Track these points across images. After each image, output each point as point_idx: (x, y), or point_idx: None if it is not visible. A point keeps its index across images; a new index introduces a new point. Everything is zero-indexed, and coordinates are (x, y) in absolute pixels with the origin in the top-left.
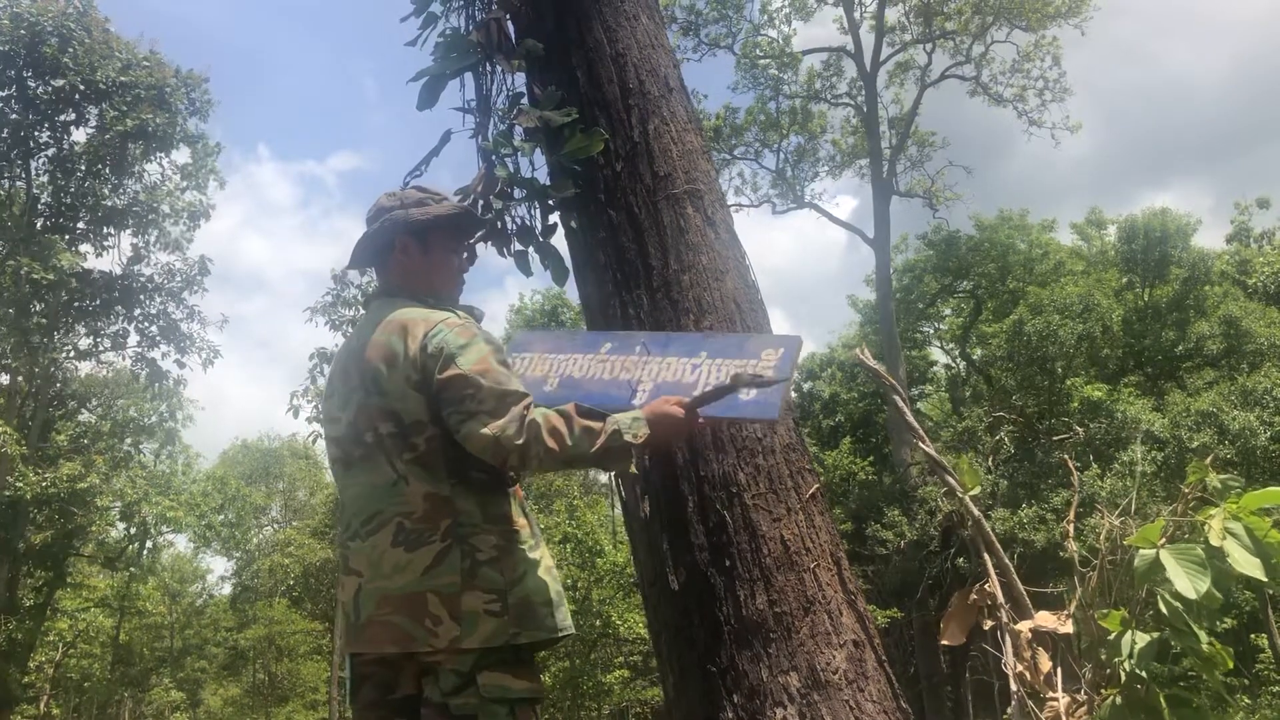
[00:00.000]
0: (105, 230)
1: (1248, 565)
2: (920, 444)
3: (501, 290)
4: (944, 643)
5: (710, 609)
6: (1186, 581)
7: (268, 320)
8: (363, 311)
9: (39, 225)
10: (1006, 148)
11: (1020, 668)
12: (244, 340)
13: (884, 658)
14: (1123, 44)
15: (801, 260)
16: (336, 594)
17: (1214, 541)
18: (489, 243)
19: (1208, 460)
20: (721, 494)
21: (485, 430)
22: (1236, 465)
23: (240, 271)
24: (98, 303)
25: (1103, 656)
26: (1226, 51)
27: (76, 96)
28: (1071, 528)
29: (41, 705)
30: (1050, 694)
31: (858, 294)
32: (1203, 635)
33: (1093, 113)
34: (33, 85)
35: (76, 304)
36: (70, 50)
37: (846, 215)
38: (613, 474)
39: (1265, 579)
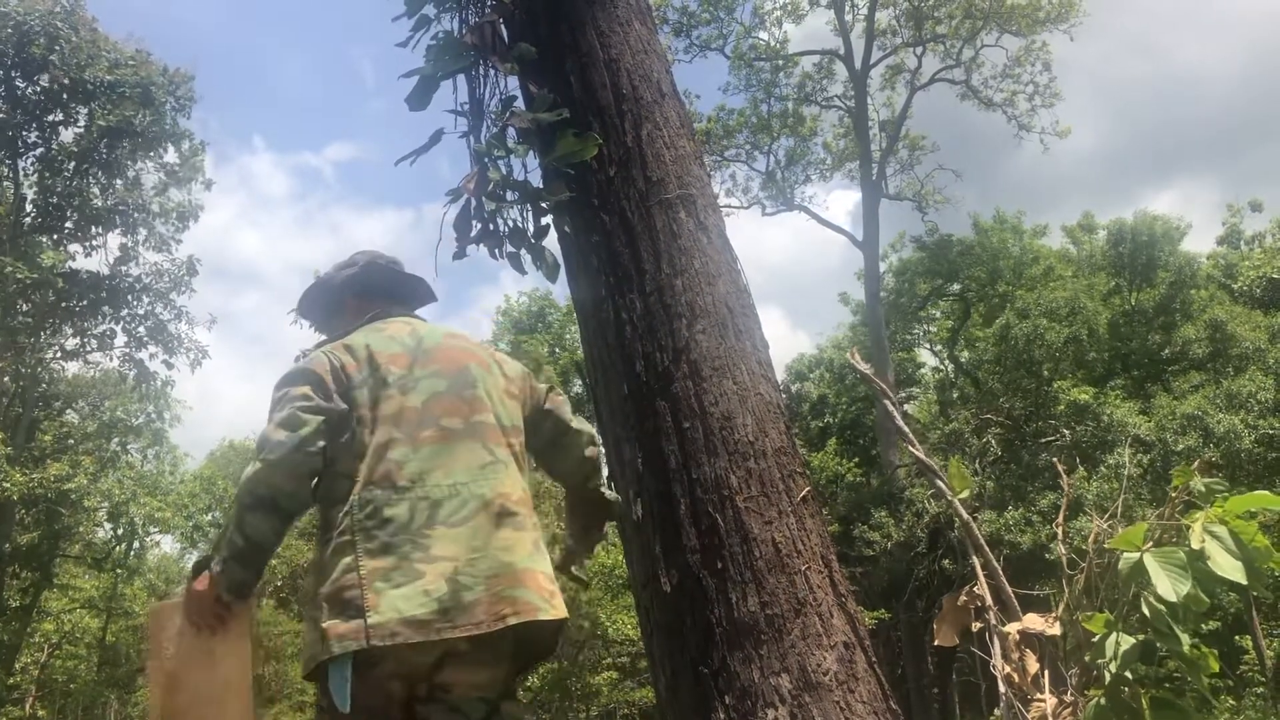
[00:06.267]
0: (93, 230)
1: (1229, 568)
2: (910, 447)
3: (497, 286)
4: (937, 644)
5: (702, 611)
6: (1168, 584)
7: (261, 316)
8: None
9: (26, 225)
10: (1013, 143)
11: (1008, 669)
12: (237, 336)
13: (874, 659)
14: (1130, 37)
15: (801, 256)
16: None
17: (1195, 545)
18: (481, 244)
19: (1194, 465)
20: (714, 497)
21: None
22: (1221, 468)
23: (234, 266)
24: (85, 303)
25: (1088, 659)
26: (1235, 46)
27: (64, 96)
28: (1061, 531)
29: (27, 707)
30: (1037, 695)
31: (850, 292)
32: (1185, 638)
33: (1099, 107)
34: (21, 85)
35: (63, 304)
36: (58, 49)
37: (843, 213)
38: (608, 476)
39: (1245, 582)
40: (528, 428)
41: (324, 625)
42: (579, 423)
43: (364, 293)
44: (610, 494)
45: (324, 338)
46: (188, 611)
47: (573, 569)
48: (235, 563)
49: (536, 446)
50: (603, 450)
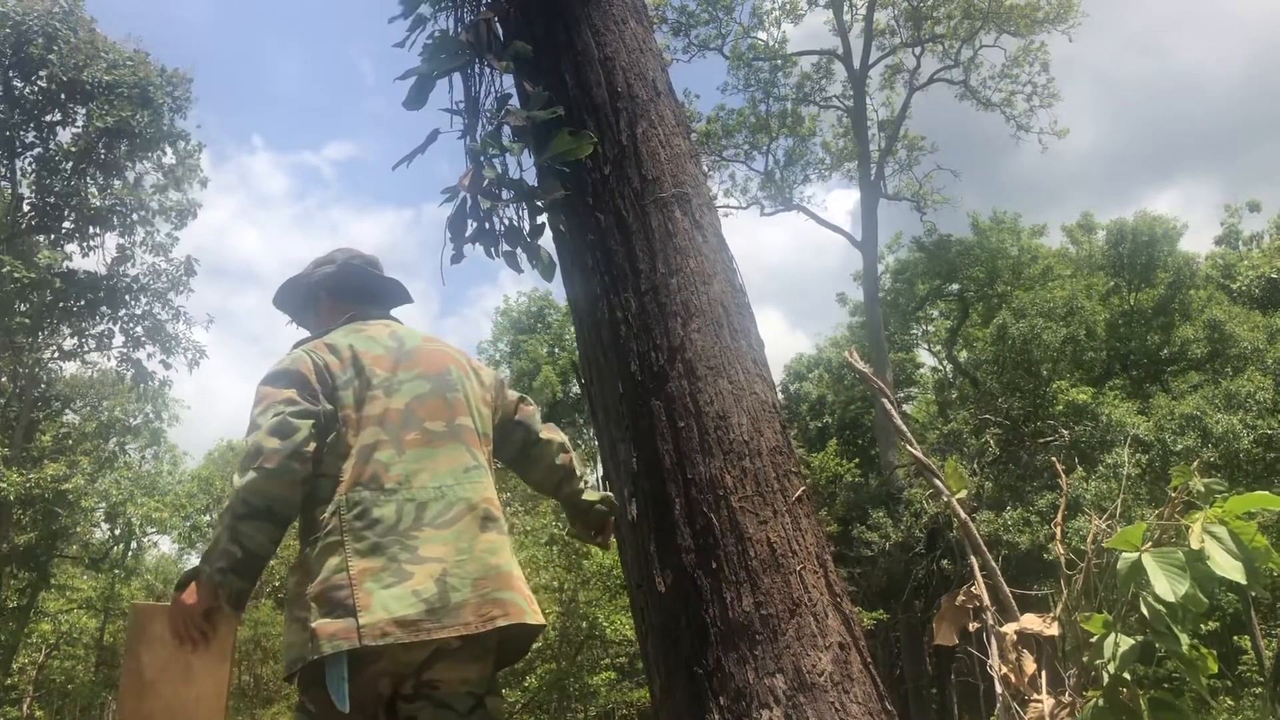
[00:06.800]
0: (91, 230)
1: (1228, 568)
2: (909, 447)
3: (496, 286)
4: (936, 644)
5: (697, 611)
6: (1166, 585)
7: (260, 315)
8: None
9: (24, 225)
10: (1013, 142)
11: (1005, 670)
12: (236, 336)
13: (869, 660)
14: (1131, 37)
15: (799, 256)
16: None
17: (1194, 545)
18: (477, 243)
19: (1194, 465)
20: (709, 496)
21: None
22: (1220, 468)
23: (233, 265)
24: (83, 303)
25: (1085, 659)
26: (1236, 46)
27: (62, 96)
28: (1059, 530)
29: (24, 708)
30: (1035, 696)
31: (849, 293)
32: (1184, 638)
33: (1100, 106)
34: (19, 85)
35: (61, 304)
36: (56, 50)
37: (843, 213)
38: (601, 476)
39: (1244, 582)
40: (498, 436)
41: (313, 625)
42: (549, 432)
43: (339, 291)
44: (592, 495)
45: (304, 334)
46: (173, 623)
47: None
48: (234, 574)
49: (508, 456)
50: (575, 456)
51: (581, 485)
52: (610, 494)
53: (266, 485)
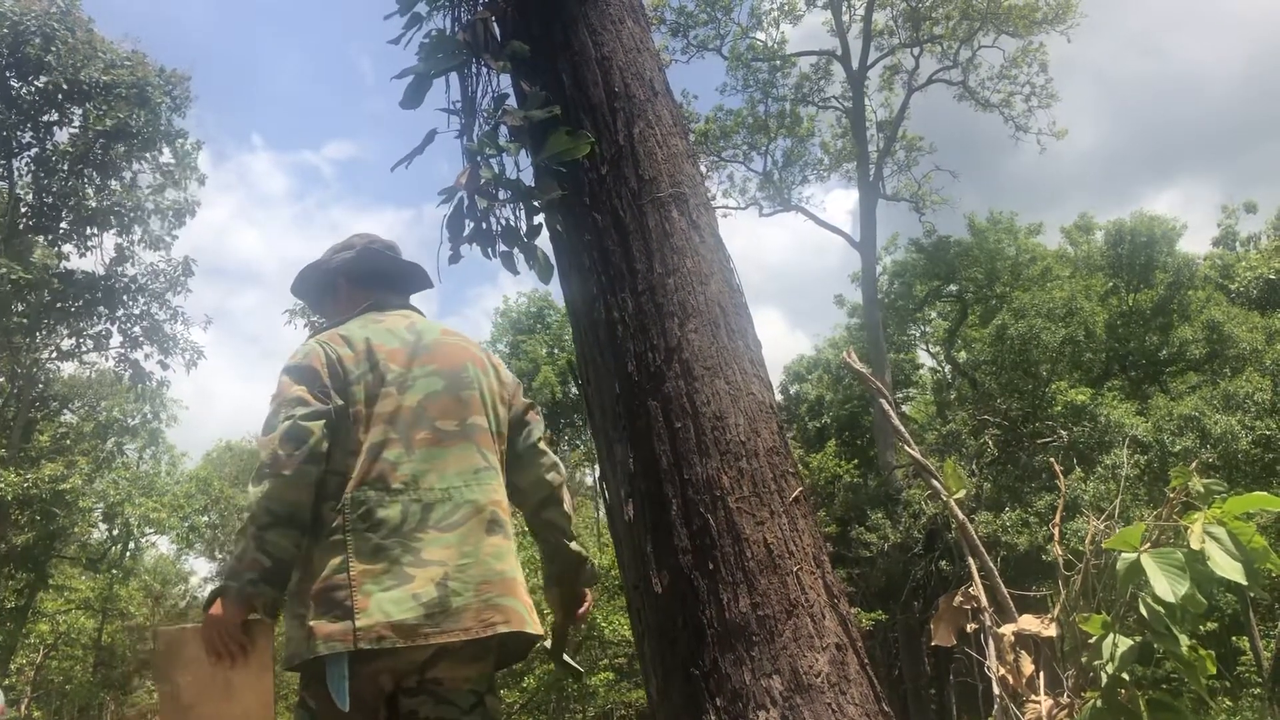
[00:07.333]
0: (88, 230)
1: (1229, 569)
2: (906, 447)
3: (496, 286)
4: (934, 644)
5: (693, 612)
6: (1166, 585)
7: (260, 315)
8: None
9: (21, 225)
10: (1013, 142)
11: (1003, 671)
12: (235, 336)
13: (867, 661)
14: (1131, 37)
15: (799, 256)
16: None
17: (1194, 545)
18: (474, 243)
19: (1192, 466)
20: (705, 497)
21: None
22: (1218, 469)
23: (232, 265)
24: (80, 303)
25: (1084, 660)
26: (1235, 46)
27: (59, 96)
28: (1057, 531)
29: (22, 708)
30: (1033, 697)
31: (846, 294)
32: (1184, 639)
33: (1100, 106)
34: (15, 85)
35: (59, 304)
36: (53, 50)
37: (842, 214)
38: (598, 478)
39: (1245, 583)
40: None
41: (310, 624)
42: (547, 446)
43: (359, 277)
44: (578, 547)
45: (320, 321)
46: (209, 639)
47: (564, 658)
48: (266, 583)
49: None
50: (568, 494)
51: (566, 522)
52: (592, 564)
53: (286, 492)
